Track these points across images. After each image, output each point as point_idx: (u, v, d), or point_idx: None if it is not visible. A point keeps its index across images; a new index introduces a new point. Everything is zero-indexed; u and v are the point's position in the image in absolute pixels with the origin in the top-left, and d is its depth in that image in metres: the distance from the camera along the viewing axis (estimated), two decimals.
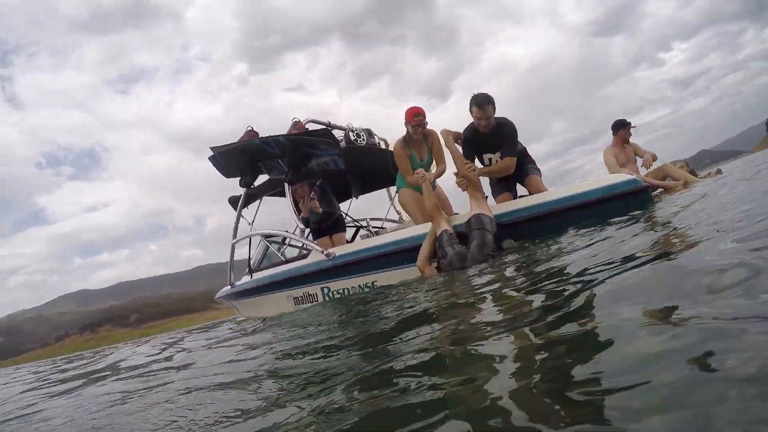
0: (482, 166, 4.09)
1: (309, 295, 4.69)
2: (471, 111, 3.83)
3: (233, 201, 5.67)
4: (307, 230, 4.84)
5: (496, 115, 3.87)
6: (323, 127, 5.04)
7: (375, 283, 4.20)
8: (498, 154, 4.02)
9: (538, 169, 4.36)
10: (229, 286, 5.80)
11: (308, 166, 4.60)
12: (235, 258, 5.84)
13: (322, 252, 4.44)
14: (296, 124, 4.80)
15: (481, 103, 3.77)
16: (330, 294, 4.50)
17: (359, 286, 4.30)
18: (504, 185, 4.39)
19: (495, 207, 3.84)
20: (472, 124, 3.92)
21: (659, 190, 5.30)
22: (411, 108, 4.19)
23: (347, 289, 4.38)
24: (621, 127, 5.75)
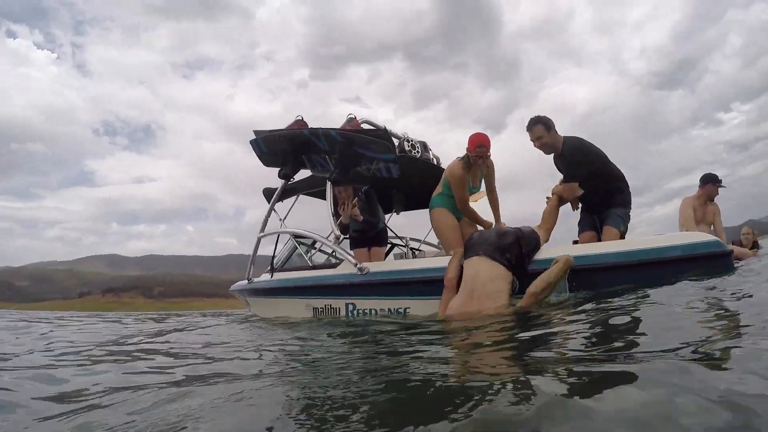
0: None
1: (331, 308, 4.22)
2: None
3: (268, 193, 5.30)
4: (342, 237, 4.38)
5: (566, 135, 3.71)
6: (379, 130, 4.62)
7: (407, 310, 3.70)
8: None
9: (623, 219, 3.73)
10: (246, 281, 5.41)
11: (357, 169, 4.14)
12: (259, 253, 5.46)
13: (355, 265, 3.97)
14: (351, 120, 4.37)
15: (528, 125, 3.74)
16: (355, 312, 4.02)
17: (389, 309, 3.80)
18: (589, 222, 3.94)
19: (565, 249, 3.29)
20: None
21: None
22: (475, 135, 3.71)
23: (375, 310, 3.89)
24: (709, 182, 5.21)
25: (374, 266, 3.99)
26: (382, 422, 0.94)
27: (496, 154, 3.92)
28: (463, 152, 3.69)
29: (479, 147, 3.70)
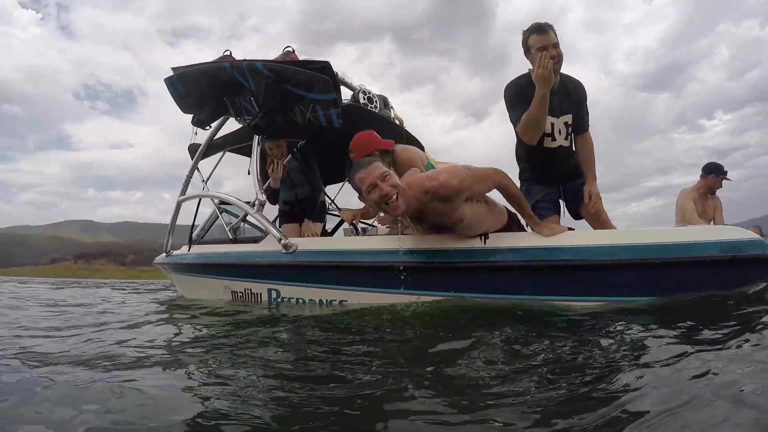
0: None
1: (251, 293, 3.33)
2: (527, 44, 2.55)
3: (192, 149, 4.31)
4: (265, 205, 3.44)
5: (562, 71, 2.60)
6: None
7: (343, 303, 2.82)
8: (562, 119, 2.66)
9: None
10: (165, 254, 4.45)
11: (289, 115, 3.16)
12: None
13: (280, 240, 3.05)
14: (288, 54, 3.36)
15: (542, 27, 2.50)
16: (279, 299, 3.13)
17: (320, 300, 2.91)
18: (550, 203, 2.83)
19: (555, 237, 2.37)
20: (524, 75, 2.59)
21: None
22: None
23: (303, 299, 3.00)
24: (713, 172, 4.51)
25: (304, 243, 3.07)
26: None
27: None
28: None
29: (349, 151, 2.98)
